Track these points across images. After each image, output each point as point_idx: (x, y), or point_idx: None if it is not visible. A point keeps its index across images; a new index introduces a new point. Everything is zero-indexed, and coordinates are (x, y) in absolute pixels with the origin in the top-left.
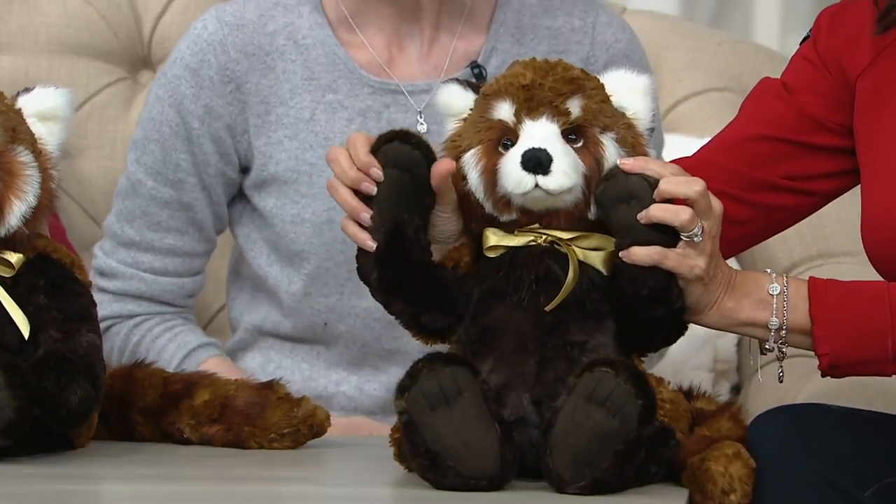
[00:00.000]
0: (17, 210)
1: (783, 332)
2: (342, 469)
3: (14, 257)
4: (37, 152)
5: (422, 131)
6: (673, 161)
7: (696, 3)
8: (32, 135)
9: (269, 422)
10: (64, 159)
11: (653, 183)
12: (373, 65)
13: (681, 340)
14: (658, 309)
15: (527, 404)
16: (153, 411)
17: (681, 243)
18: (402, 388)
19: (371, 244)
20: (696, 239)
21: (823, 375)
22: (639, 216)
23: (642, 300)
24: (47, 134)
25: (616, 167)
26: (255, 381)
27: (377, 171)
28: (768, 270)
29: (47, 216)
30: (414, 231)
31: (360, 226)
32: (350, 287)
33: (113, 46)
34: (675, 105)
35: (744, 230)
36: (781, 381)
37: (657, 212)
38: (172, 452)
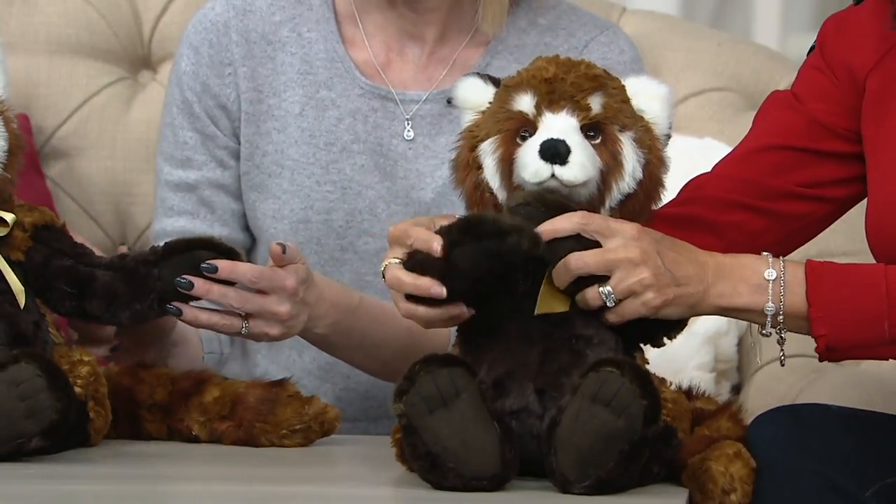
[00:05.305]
0: None
1: (780, 317)
2: (344, 469)
3: (9, 216)
4: None
5: (409, 138)
6: (692, 180)
7: (696, 3)
8: None
9: (280, 418)
10: (63, 159)
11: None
12: (368, 65)
13: (681, 340)
14: None
15: (529, 393)
16: (162, 408)
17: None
18: (400, 392)
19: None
20: (609, 303)
21: (821, 360)
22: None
23: None
24: None
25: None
26: (264, 380)
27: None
28: (764, 253)
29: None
30: None
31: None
32: None
33: (113, 46)
34: (674, 105)
35: (763, 241)
36: (783, 365)
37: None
38: (176, 452)
